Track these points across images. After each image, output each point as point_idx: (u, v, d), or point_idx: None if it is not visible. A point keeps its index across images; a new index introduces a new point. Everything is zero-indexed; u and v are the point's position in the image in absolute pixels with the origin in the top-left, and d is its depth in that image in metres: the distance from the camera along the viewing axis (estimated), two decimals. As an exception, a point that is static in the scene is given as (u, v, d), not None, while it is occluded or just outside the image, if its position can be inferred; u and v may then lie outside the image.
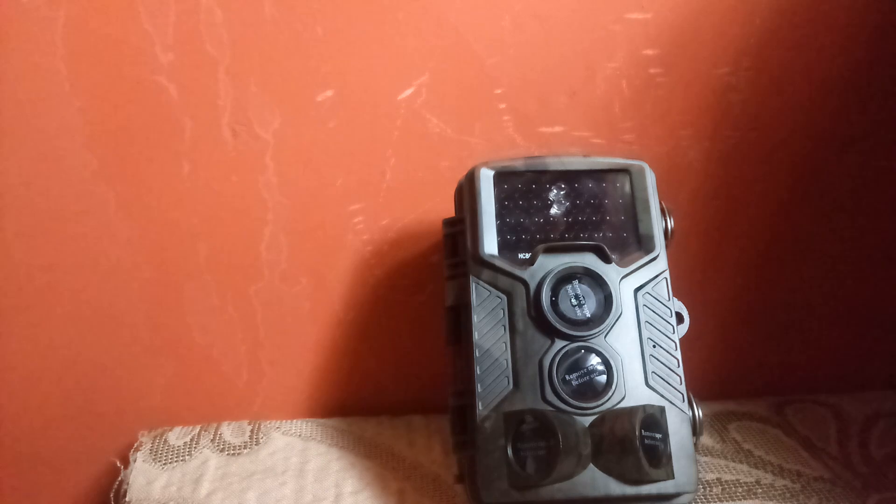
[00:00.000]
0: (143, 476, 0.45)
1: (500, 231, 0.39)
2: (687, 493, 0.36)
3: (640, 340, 0.38)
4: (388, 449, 0.47)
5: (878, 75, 0.47)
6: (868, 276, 0.52)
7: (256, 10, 0.43)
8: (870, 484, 0.44)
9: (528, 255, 0.38)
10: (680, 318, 0.39)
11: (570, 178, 0.40)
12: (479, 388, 0.37)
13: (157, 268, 0.47)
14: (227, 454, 0.47)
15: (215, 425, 0.49)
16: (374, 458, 0.46)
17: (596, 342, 0.37)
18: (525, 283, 0.38)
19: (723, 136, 0.48)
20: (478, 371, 0.37)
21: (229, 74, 0.44)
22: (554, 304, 0.37)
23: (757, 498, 0.42)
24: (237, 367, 0.50)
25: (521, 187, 0.40)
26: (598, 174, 0.40)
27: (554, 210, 0.40)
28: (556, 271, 0.38)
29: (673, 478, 0.35)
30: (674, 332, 0.38)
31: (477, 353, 0.37)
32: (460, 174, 0.42)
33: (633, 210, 0.40)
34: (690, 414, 0.37)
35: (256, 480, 0.44)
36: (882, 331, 0.54)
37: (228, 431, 0.49)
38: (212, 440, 0.48)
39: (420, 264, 0.49)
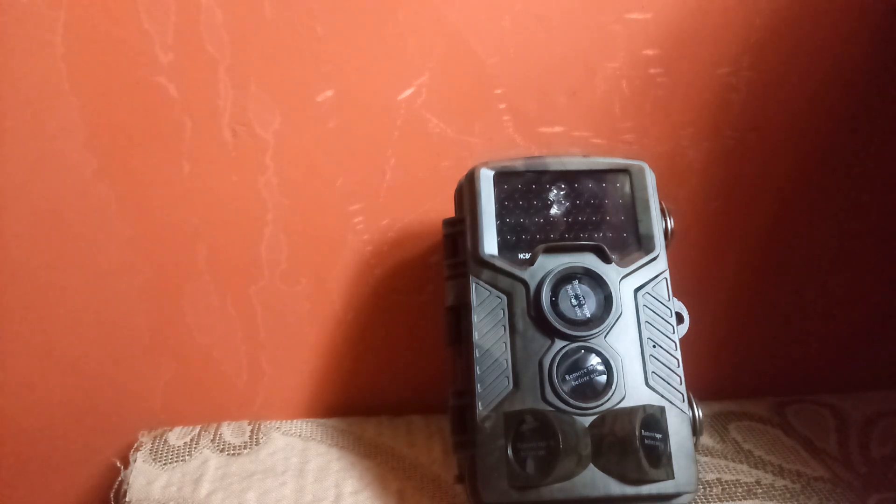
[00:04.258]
0: (144, 476, 0.45)
1: (500, 231, 0.39)
2: (687, 493, 0.36)
3: (640, 340, 0.38)
4: (388, 449, 0.47)
5: (878, 75, 0.47)
6: (868, 276, 0.52)
7: (256, 10, 0.43)
8: (870, 484, 0.44)
9: (528, 256, 0.38)
10: (680, 318, 0.39)
11: (570, 178, 0.40)
12: (479, 388, 0.37)
13: (157, 268, 0.47)
14: (227, 454, 0.47)
15: (215, 425, 0.49)
16: (374, 458, 0.46)
17: (596, 342, 0.37)
18: (525, 283, 0.38)
19: (723, 136, 0.48)
20: (478, 371, 0.37)
21: (229, 74, 0.44)
22: (554, 304, 0.37)
23: (757, 498, 0.42)
24: (237, 367, 0.50)
25: (521, 187, 0.40)
26: (598, 174, 0.40)
27: (554, 210, 0.40)
28: (556, 271, 0.38)
29: (673, 478, 0.35)
30: (674, 332, 0.38)
31: (477, 353, 0.37)
32: (460, 174, 0.41)
33: (633, 210, 0.40)
34: (690, 414, 0.37)
35: (256, 480, 0.44)
36: (882, 331, 0.54)
37: (228, 431, 0.49)
38: (212, 440, 0.48)
39: (420, 264, 0.49)
